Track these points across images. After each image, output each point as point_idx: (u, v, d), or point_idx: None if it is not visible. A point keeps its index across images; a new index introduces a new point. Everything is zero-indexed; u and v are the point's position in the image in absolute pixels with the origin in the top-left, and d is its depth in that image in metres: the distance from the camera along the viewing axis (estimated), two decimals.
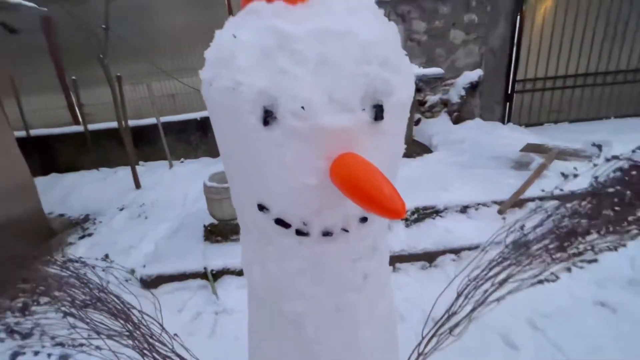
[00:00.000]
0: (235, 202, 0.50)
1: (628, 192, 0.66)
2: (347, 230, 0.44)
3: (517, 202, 2.57)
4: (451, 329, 0.82)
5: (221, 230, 2.51)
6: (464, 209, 2.56)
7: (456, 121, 4.67)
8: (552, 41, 4.55)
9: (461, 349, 1.67)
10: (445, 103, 4.77)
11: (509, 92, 4.78)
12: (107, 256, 0.84)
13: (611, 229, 0.68)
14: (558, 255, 0.74)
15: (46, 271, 0.68)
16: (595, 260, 0.74)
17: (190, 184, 3.80)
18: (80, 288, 0.72)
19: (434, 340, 0.80)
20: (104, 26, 3.30)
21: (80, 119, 4.84)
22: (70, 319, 0.69)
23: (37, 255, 0.68)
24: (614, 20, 4.46)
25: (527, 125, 4.99)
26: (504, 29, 4.47)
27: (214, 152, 5.02)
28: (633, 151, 0.79)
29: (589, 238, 0.73)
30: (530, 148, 3.49)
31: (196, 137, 5.01)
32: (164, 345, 0.80)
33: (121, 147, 4.27)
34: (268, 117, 0.36)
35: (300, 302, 0.47)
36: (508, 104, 4.85)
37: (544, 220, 0.72)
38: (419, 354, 0.84)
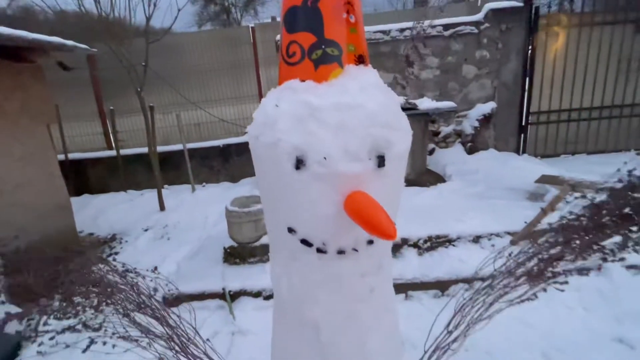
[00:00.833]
0: (268, 226, 0.63)
1: (591, 225, 0.75)
2: (357, 250, 0.56)
3: (530, 233, 2.58)
4: (450, 344, 0.89)
5: (240, 253, 2.64)
6: (476, 239, 2.59)
7: (470, 151, 4.74)
8: (564, 74, 4.65)
9: None
10: (459, 134, 4.87)
11: (523, 123, 4.84)
12: (155, 268, 0.97)
13: (580, 255, 0.76)
14: (538, 279, 0.82)
15: (110, 278, 0.82)
16: (566, 282, 0.81)
17: (211, 207, 3.99)
18: (132, 294, 0.85)
19: (435, 354, 0.87)
20: (143, 63, 3.68)
21: (114, 145, 5.22)
22: (126, 320, 0.82)
23: (103, 264, 0.83)
24: (627, 54, 4.55)
25: (543, 156, 4.99)
26: (515, 63, 4.63)
27: (234, 177, 5.26)
28: (601, 186, 0.88)
29: (562, 263, 0.81)
30: (545, 180, 3.50)
31: (218, 163, 5.27)
32: (197, 347, 0.91)
33: (149, 171, 4.56)
34: (299, 164, 0.50)
35: (318, 309, 0.58)
36: (522, 135, 4.90)
37: (525, 250, 0.81)
38: None
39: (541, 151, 5.04)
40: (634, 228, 0.74)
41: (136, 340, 0.80)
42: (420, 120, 3.59)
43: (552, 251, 0.82)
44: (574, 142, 4.99)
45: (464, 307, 0.82)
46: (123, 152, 5.13)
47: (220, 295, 2.37)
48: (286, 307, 0.61)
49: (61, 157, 5.10)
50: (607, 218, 0.75)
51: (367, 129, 0.50)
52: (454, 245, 2.57)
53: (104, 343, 0.78)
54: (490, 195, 3.25)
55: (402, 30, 4.49)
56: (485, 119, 4.73)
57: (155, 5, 3.64)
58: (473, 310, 0.82)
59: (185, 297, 2.38)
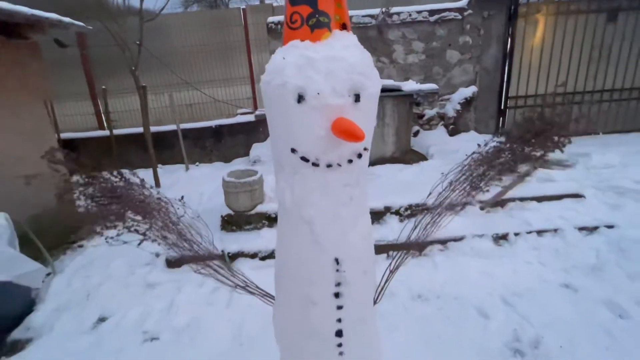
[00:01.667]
0: (274, 151, 0.84)
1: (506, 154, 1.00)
2: (340, 165, 0.78)
3: (499, 201, 2.88)
4: (408, 251, 1.14)
5: (237, 221, 2.85)
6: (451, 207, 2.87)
7: (452, 133, 5.02)
8: (541, 61, 4.93)
9: (442, 318, 1.98)
10: (442, 117, 5.14)
11: (502, 107, 5.13)
12: (182, 197, 1.18)
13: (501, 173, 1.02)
14: (472, 191, 1.07)
15: (150, 201, 1.04)
16: (487, 191, 1.06)
17: (206, 184, 4.15)
18: (164, 214, 1.08)
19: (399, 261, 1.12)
20: (137, 42, 3.75)
21: (107, 125, 5.27)
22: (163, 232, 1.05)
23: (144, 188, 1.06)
24: (599, 43, 4.84)
25: None
26: (496, 49, 4.87)
27: (227, 158, 5.42)
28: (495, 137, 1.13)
29: (488, 179, 1.06)
30: None
31: (210, 143, 5.41)
32: (215, 261, 1.14)
33: (142, 151, 4.67)
34: (300, 99, 0.71)
35: (313, 209, 0.81)
36: (501, 118, 5.19)
37: (463, 171, 1.06)
38: (390, 271, 1.15)
39: None
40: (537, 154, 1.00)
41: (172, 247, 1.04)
42: (405, 101, 3.82)
43: (478, 171, 1.07)
44: None
45: (418, 220, 1.07)
46: (116, 132, 5.20)
47: (220, 257, 2.59)
48: (288, 211, 0.84)
49: None
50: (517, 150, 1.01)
51: (348, 74, 0.71)
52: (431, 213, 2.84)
53: (153, 241, 1.01)
54: None
55: (390, 14, 4.65)
56: (467, 103, 5.00)
57: None
58: (426, 219, 1.06)
59: (187, 259, 2.60)
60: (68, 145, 5.27)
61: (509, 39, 4.80)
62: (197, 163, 5.33)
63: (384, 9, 4.51)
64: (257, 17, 5.53)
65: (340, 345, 0.92)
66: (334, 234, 0.82)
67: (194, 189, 4.15)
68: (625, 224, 2.58)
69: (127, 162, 5.24)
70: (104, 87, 4.93)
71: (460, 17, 4.71)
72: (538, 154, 1.04)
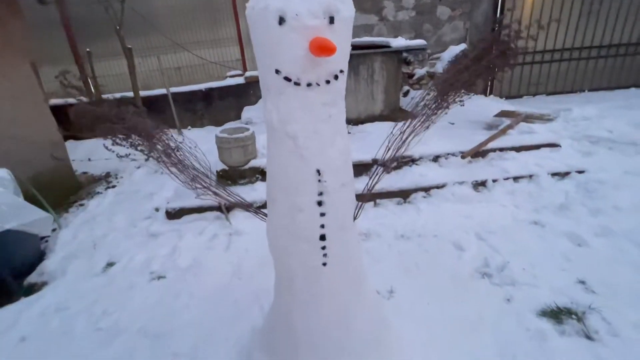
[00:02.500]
0: (261, 74, 0.94)
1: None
2: (319, 85, 0.89)
3: (480, 152, 3.04)
4: (387, 168, 1.28)
5: (231, 175, 2.98)
6: (436, 158, 3.02)
7: None
8: (531, 18, 4.90)
9: (421, 251, 2.19)
10: (432, 76, 5.15)
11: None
12: (195, 145, 1.31)
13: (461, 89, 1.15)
14: (436, 110, 1.21)
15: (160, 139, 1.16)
16: (447, 108, 1.19)
17: (199, 146, 4.22)
18: (164, 141, 1.21)
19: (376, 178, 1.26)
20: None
21: (94, 90, 5.19)
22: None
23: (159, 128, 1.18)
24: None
25: (508, 97, 5.41)
26: (486, 5, 4.82)
27: (218, 121, 5.44)
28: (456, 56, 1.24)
29: (449, 98, 1.19)
30: (503, 114, 3.92)
31: (201, 107, 5.40)
32: (206, 180, 1.28)
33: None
34: (281, 21, 0.81)
35: (296, 125, 0.93)
36: (490, 77, 5.23)
37: (426, 93, 1.18)
38: (369, 190, 1.30)
39: (506, 92, 5.45)
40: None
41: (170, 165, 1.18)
42: (394, 58, 3.84)
43: (444, 91, 1.19)
44: (535, 83, 5.40)
45: (400, 131, 1.19)
46: (104, 97, 5.14)
47: (217, 209, 2.75)
48: (275, 129, 0.96)
49: None
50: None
51: None
52: (417, 164, 3.00)
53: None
54: (452, 127, 3.66)
55: None
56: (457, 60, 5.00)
57: None
58: (408, 130, 1.19)
59: (187, 210, 2.75)
60: (55, 112, 5.21)
61: None
62: (188, 127, 5.35)
63: None
64: None
65: (324, 247, 1.08)
66: (315, 148, 0.95)
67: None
68: (594, 169, 2.77)
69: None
70: (88, 49, 4.80)
71: None
72: (490, 71, 1.16)
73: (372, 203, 2.76)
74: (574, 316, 1.57)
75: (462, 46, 4.99)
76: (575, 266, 1.89)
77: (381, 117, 4.01)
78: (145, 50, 5.39)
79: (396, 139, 1.20)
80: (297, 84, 0.88)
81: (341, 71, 0.93)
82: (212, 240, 2.50)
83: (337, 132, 0.99)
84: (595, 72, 5.28)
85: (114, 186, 3.68)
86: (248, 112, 4.97)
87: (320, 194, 1.02)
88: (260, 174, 3.01)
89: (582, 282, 1.78)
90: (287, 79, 0.88)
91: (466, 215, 2.50)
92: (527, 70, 5.27)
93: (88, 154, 4.65)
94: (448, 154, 3.02)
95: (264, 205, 1.24)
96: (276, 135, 0.97)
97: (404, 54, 4.23)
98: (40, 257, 2.47)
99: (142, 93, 4.88)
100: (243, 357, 1.47)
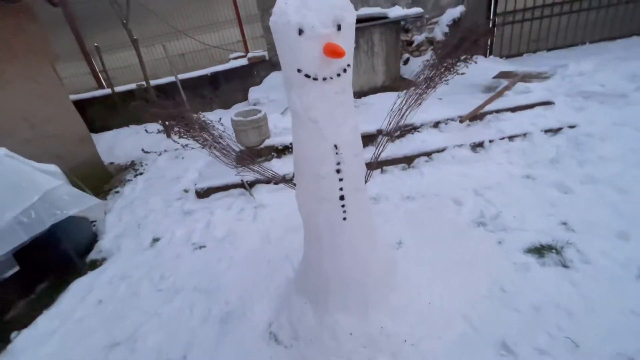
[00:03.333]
0: (286, 74, 1.20)
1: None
2: (332, 78, 1.14)
3: (477, 115, 3.24)
4: (390, 137, 1.54)
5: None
6: (436, 125, 3.24)
7: None
8: None
9: (425, 209, 2.48)
10: (430, 41, 5.21)
11: (490, 25, 5.16)
12: (220, 119, 1.57)
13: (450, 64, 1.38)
14: (433, 80, 1.45)
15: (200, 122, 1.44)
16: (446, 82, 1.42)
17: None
18: (210, 130, 1.49)
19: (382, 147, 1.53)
20: None
21: (106, 83, 5.42)
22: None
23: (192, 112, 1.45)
24: None
25: (508, 56, 5.45)
26: None
27: (227, 104, 5.65)
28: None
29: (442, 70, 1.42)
30: (502, 75, 4.05)
31: (209, 91, 5.60)
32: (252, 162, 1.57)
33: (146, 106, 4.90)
34: (300, 32, 1.05)
35: (316, 111, 1.19)
36: (489, 37, 5.25)
37: (425, 66, 1.42)
38: (376, 158, 1.58)
39: (506, 52, 5.47)
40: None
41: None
42: (392, 28, 3.94)
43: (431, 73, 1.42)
44: (536, 40, 5.40)
45: (405, 100, 1.44)
46: (117, 89, 5.37)
47: (240, 186, 3.06)
48: (300, 115, 1.22)
49: None
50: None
51: (332, 10, 1.04)
52: (418, 132, 3.23)
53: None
54: (452, 92, 3.82)
55: None
56: (455, 24, 5.03)
57: None
58: (410, 99, 1.43)
59: (214, 189, 3.08)
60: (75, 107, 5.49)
61: None
62: (199, 112, 5.56)
63: None
64: None
65: (343, 205, 1.38)
66: (331, 128, 1.22)
67: None
68: (585, 123, 2.97)
69: (133, 118, 5.51)
70: (96, 44, 4.98)
71: None
72: (464, 57, 1.38)
73: (379, 170, 3.03)
74: (554, 250, 1.87)
75: (460, 8, 5.00)
76: (560, 211, 2.17)
77: (383, 88, 4.18)
78: (149, 40, 5.53)
79: (399, 109, 1.45)
80: (315, 79, 1.13)
81: (348, 65, 1.17)
82: (240, 214, 2.83)
83: (348, 114, 1.25)
84: (597, 23, 5.24)
85: (141, 173, 4.01)
86: (255, 92, 5.16)
87: (338, 163, 1.29)
88: (275, 151, 3.28)
89: (565, 224, 2.07)
90: (307, 75, 1.13)
91: (465, 175, 2.76)
92: (527, 27, 5.26)
93: (111, 145, 4.97)
94: (447, 119, 3.23)
95: (281, 180, 1.56)
96: (301, 120, 1.24)
97: (402, 22, 4.30)
98: (94, 238, 2.86)
99: (152, 82, 5.08)
100: (283, 300, 1.82)
